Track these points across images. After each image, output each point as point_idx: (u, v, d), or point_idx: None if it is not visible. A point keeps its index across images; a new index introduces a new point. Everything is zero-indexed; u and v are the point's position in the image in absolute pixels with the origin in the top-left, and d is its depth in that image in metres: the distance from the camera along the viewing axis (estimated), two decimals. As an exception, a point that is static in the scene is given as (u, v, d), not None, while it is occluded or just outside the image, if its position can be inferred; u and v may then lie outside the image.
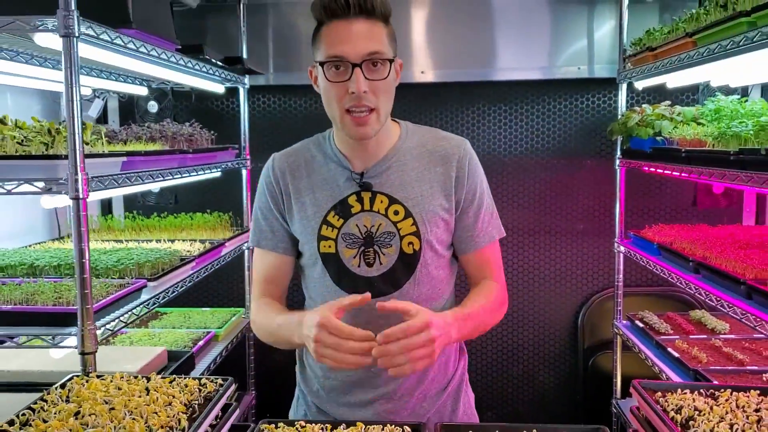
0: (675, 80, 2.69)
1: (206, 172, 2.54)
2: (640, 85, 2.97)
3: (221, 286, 3.51)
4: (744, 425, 1.25)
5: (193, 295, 3.33)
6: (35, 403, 1.37)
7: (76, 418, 1.30)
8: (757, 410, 1.33)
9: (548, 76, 3.30)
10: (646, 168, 2.69)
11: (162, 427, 1.26)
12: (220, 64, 2.66)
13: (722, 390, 1.43)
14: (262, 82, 3.34)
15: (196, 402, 1.40)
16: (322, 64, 1.48)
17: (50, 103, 3.09)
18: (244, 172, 3.16)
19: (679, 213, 3.32)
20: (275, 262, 1.68)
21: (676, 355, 2.37)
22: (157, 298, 2.02)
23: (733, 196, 3.20)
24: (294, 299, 1.81)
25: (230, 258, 2.85)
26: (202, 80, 2.74)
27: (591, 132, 3.32)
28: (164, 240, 2.72)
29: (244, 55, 3.15)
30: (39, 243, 2.70)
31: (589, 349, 3.36)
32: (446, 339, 1.39)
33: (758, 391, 1.42)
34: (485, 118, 3.38)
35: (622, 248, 2.98)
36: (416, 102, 3.38)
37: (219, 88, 3.05)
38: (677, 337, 2.60)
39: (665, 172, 2.45)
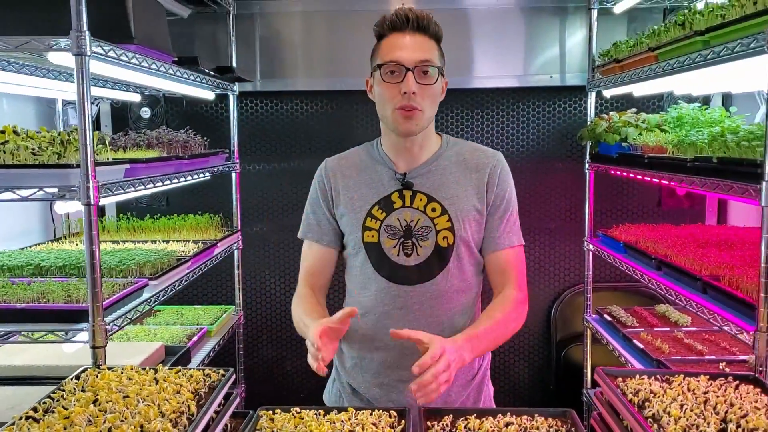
0: (640, 90, 2.87)
1: (200, 176, 2.68)
2: (608, 93, 3.16)
3: (212, 284, 3.64)
4: (692, 405, 1.41)
5: (186, 293, 3.45)
6: (54, 392, 1.50)
7: (95, 405, 1.43)
8: (705, 393, 1.49)
9: (523, 83, 3.48)
10: (613, 172, 2.87)
11: (174, 412, 1.40)
12: (213, 73, 2.79)
13: (676, 375, 1.60)
14: (250, 88, 3.48)
15: (202, 390, 1.54)
16: (380, 66, 1.69)
17: (45, 108, 3.20)
18: (233, 175, 3.30)
19: (645, 213, 3.52)
20: (319, 254, 1.86)
21: (641, 346, 2.55)
22: (158, 296, 2.16)
23: (695, 197, 3.40)
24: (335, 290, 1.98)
25: (222, 257, 2.99)
26: (195, 88, 2.87)
27: (563, 137, 3.51)
28: (159, 241, 2.85)
29: (234, 64, 3.29)
30: (38, 244, 2.81)
31: (561, 341, 3.54)
32: (460, 362, 1.52)
33: (708, 376, 1.59)
34: (464, 123, 3.55)
35: (591, 247, 3.16)
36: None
37: (209, 95, 3.18)
38: (642, 329, 2.78)
39: (630, 175, 2.63)
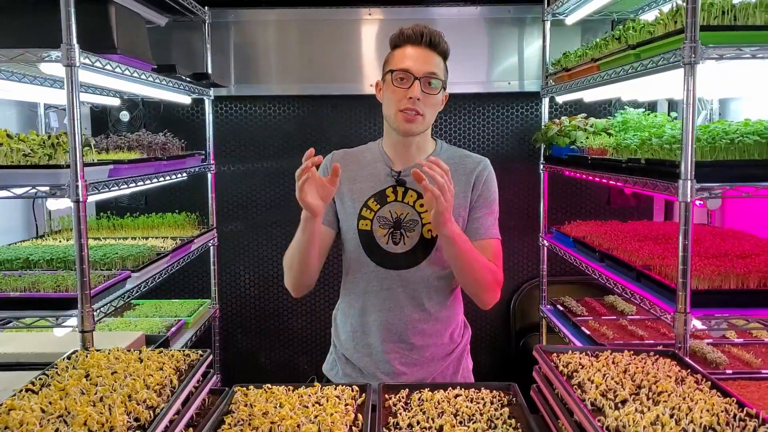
0: (589, 96, 3.10)
1: (177, 176, 2.85)
2: (560, 99, 3.39)
3: (189, 279, 3.79)
4: (614, 375, 1.62)
5: (164, 287, 3.58)
6: (47, 370, 1.65)
7: (86, 380, 1.60)
8: (627, 365, 1.71)
9: (484, 89, 3.70)
10: (565, 172, 3.10)
11: (158, 384, 1.57)
12: (189, 80, 2.96)
13: (603, 351, 1.81)
14: (225, 93, 3.65)
15: (183, 368, 1.71)
16: (392, 72, 1.90)
17: (27, 112, 3.33)
18: (209, 175, 3.47)
19: (597, 211, 3.76)
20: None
21: (588, 332, 2.77)
22: (140, 287, 2.33)
23: (641, 196, 3.64)
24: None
25: (198, 253, 3.16)
26: (173, 93, 3.03)
27: (520, 139, 3.73)
28: (138, 238, 3.01)
29: (209, 70, 3.46)
30: (22, 241, 2.96)
31: (520, 331, 3.76)
32: (448, 215, 1.74)
33: (631, 352, 1.80)
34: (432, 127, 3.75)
35: (545, 242, 3.38)
36: (368, 111, 3.72)
37: (186, 100, 3.35)
38: (591, 318, 3.00)
39: (577, 175, 2.86)
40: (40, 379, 1.60)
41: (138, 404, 1.42)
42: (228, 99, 3.72)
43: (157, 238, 3.02)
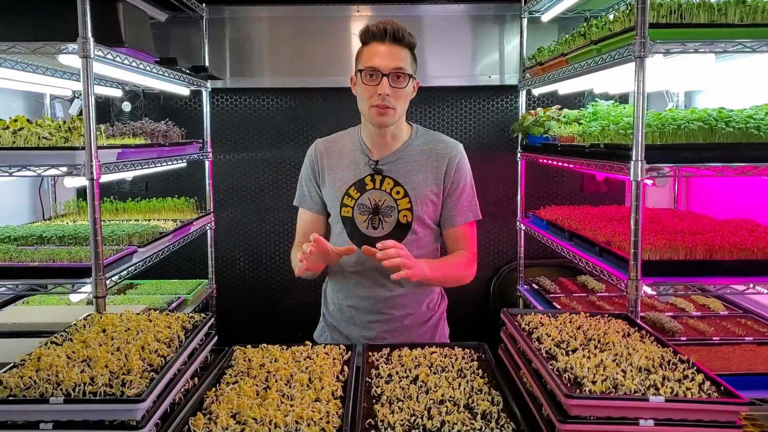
0: (562, 88, 3.32)
1: (178, 162, 3.05)
2: (536, 91, 3.61)
3: (188, 260, 3.99)
4: (569, 330, 1.84)
5: (164, 267, 3.74)
6: (67, 329, 1.84)
7: (104, 334, 1.79)
8: (581, 323, 1.92)
9: (467, 82, 3.91)
10: (540, 160, 3.32)
11: (167, 338, 1.77)
12: (189, 72, 3.16)
13: (562, 314, 2.02)
14: (221, 85, 3.85)
15: (188, 326, 1.92)
16: (361, 71, 2.08)
17: (33, 102, 3.53)
18: (206, 162, 3.68)
19: (571, 196, 3.99)
20: (310, 219, 2.29)
21: (559, 307, 3.00)
22: (145, 262, 2.53)
23: (612, 182, 3.87)
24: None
25: (196, 235, 3.37)
26: (173, 84, 3.23)
27: (500, 130, 3.96)
28: (141, 220, 3.21)
29: (207, 63, 3.66)
30: (32, 222, 3.15)
31: (499, 311, 3.98)
32: (419, 270, 1.98)
33: (588, 314, 2.02)
34: (417, 118, 3.97)
35: (522, 226, 3.61)
36: (356, 103, 3.90)
37: (185, 91, 3.55)
38: (562, 295, 3.23)
39: (549, 162, 3.08)
40: (61, 335, 1.79)
41: (151, 353, 1.62)
42: (223, 91, 3.92)
43: (158, 220, 3.22)
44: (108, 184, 3.76)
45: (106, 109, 3.76)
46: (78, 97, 3.56)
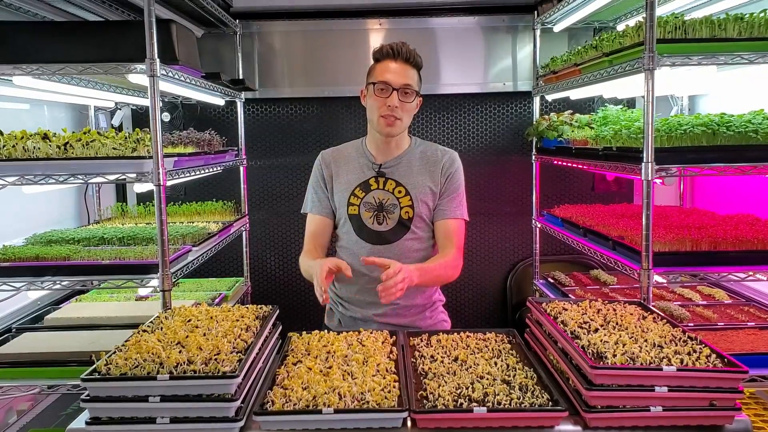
0: (574, 94, 3.56)
1: (219, 168, 3.29)
2: (549, 97, 3.85)
3: (223, 261, 4.20)
4: (591, 315, 2.06)
5: (203, 268, 3.95)
6: (152, 321, 1.99)
7: (189, 323, 1.95)
8: (600, 308, 2.15)
9: (481, 89, 4.13)
10: (555, 162, 3.55)
11: (245, 325, 1.92)
12: (230, 85, 3.41)
13: (582, 301, 2.25)
14: (251, 95, 4.08)
15: (261, 315, 2.07)
16: (374, 83, 2.32)
17: (77, 114, 3.76)
18: (241, 168, 3.93)
19: (583, 196, 4.20)
20: (319, 223, 2.50)
21: (573, 298, 3.21)
22: (198, 260, 2.77)
23: (622, 182, 4.10)
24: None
25: (235, 236, 3.60)
26: (211, 96, 3.47)
27: (514, 134, 4.18)
28: (184, 222, 3.44)
29: (241, 76, 3.90)
30: (82, 227, 3.39)
31: (516, 305, 4.21)
32: (410, 281, 2.14)
33: (605, 301, 2.24)
34: (433, 124, 4.21)
35: (538, 224, 3.84)
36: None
37: (220, 101, 3.79)
38: (577, 287, 3.45)
39: (564, 163, 3.31)
40: (149, 325, 1.95)
41: (236, 338, 1.82)
42: (254, 101, 4.15)
43: (200, 222, 3.45)
44: (147, 191, 3.99)
45: (144, 119, 3.99)
46: (120, 108, 3.80)
